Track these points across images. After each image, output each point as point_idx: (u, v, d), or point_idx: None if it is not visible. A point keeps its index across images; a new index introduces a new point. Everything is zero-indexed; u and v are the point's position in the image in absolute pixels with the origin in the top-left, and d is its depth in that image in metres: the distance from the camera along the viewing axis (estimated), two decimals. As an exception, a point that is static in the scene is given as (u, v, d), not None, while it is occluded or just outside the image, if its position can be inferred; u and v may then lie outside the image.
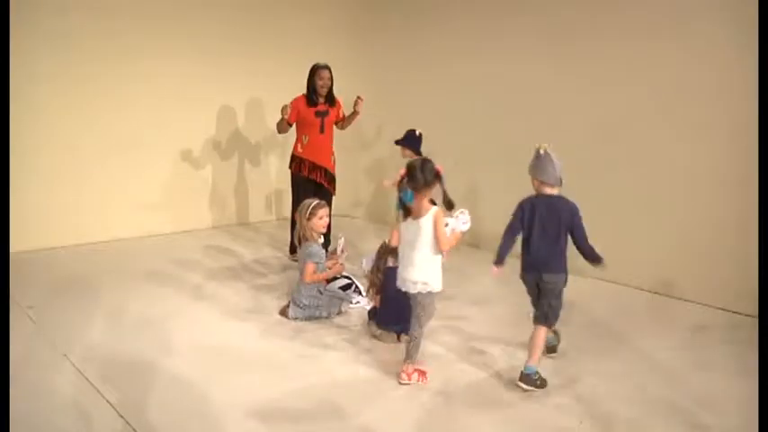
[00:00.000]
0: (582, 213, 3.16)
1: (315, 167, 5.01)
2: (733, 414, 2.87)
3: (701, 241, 4.36)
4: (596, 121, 4.84)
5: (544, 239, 3.08)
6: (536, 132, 4.39)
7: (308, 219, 3.90)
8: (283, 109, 4.84)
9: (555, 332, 3.39)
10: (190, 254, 5.31)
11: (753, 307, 3.99)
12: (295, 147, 5.09)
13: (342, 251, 4.17)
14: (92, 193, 5.53)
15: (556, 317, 3.14)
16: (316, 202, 4.00)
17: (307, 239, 3.91)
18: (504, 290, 4.55)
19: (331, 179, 5.12)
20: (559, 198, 3.12)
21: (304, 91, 4.96)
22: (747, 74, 3.86)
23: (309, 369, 3.26)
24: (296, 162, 5.05)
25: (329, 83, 4.93)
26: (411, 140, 4.64)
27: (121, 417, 2.69)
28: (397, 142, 4.70)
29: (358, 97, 5.06)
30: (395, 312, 3.56)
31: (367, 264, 3.87)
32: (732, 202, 4.17)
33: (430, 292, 3.06)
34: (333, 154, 5.14)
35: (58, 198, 5.37)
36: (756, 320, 3.85)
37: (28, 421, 2.62)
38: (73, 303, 4.05)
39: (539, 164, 3.09)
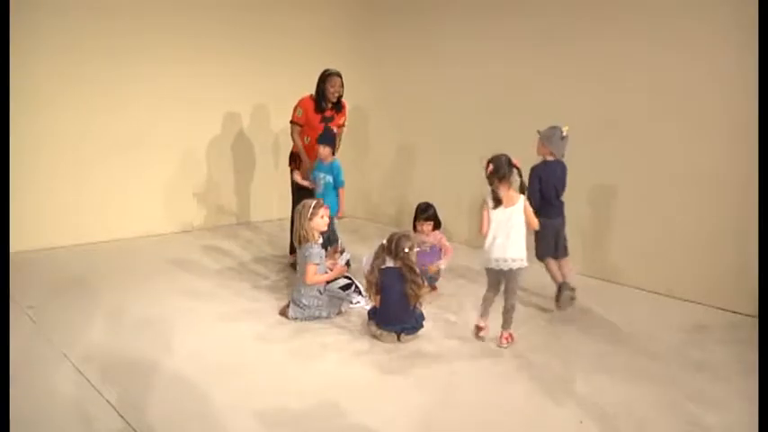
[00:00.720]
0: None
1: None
2: (733, 414, 2.87)
3: (701, 241, 4.37)
4: (596, 121, 4.84)
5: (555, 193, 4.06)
6: (534, 131, 4.38)
7: (310, 219, 3.90)
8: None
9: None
10: (189, 254, 5.31)
11: (753, 307, 4.00)
12: (295, 146, 5.08)
13: (346, 261, 4.26)
14: (92, 193, 5.53)
15: None
16: (316, 201, 4.00)
17: (307, 240, 3.90)
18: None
19: None
20: (558, 162, 4.07)
21: (308, 92, 4.90)
22: (747, 74, 3.86)
23: (309, 369, 3.26)
24: (295, 161, 5.04)
25: (341, 90, 4.85)
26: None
27: (121, 417, 2.69)
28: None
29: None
30: (394, 312, 3.58)
31: (367, 263, 3.88)
32: (732, 201, 4.17)
33: (520, 268, 3.51)
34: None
35: (58, 198, 5.38)
36: (756, 320, 3.86)
37: (28, 421, 2.62)
38: (73, 303, 4.05)
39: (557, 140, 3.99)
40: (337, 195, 4.58)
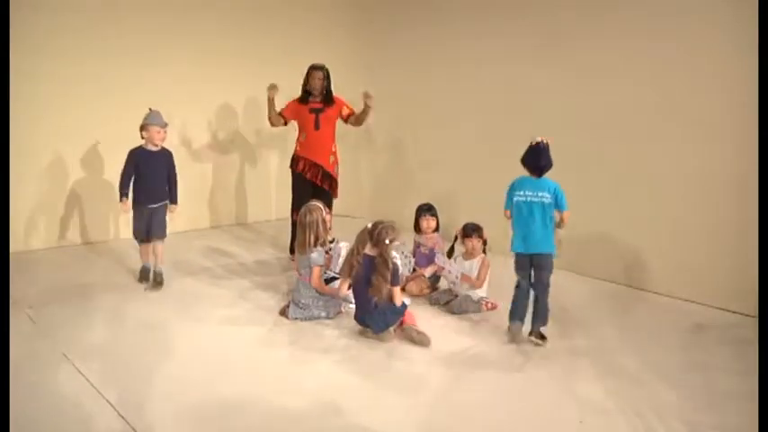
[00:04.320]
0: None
1: (312, 166, 5.00)
2: (733, 414, 2.87)
3: (701, 241, 4.37)
4: (596, 121, 4.84)
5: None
6: (536, 132, 4.38)
7: (323, 223, 3.96)
8: (270, 88, 4.87)
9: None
10: (189, 254, 5.31)
11: (753, 307, 4.00)
12: (295, 147, 5.11)
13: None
14: (92, 192, 5.53)
15: None
16: (322, 205, 4.04)
17: (319, 242, 3.91)
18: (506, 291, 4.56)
19: (330, 180, 5.09)
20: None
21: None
22: (747, 74, 3.86)
23: (309, 369, 3.26)
24: (294, 161, 5.07)
25: (320, 82, 4.93)
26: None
27: (121, 417, 2.69)
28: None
29: (365, 93, 4.97)
30: (363, 300, 3.59)
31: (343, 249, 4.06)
32: (732, 201, 4.17)
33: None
34: (333, 154, 5.11)
35: (57, 198, 5.37)
36: (756, 320, 3.86)
37: (28, 421, 2.62)
38: (73, 303, 4.04)
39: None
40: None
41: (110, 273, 4.74)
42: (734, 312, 4.20)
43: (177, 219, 6.04)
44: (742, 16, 3.92)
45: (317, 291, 3.91)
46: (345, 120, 5.13)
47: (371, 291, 3.56)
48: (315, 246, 3.90)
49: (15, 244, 4.65)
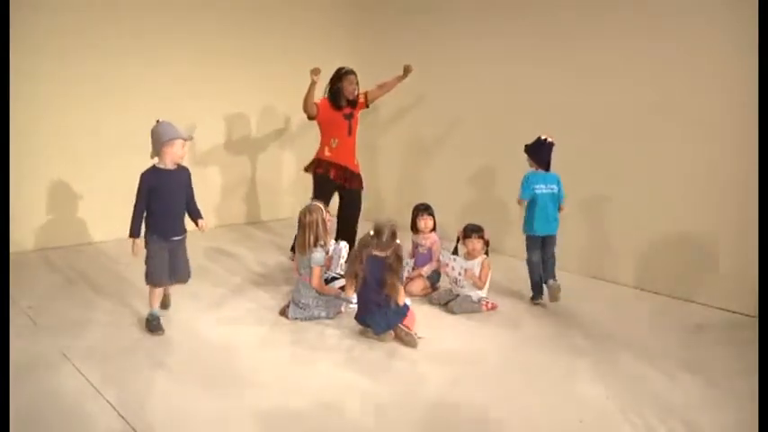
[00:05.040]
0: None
1: (341, 170, 4.96)
2: (733, 414, 2.87)
3: (701, 241, 4.37)
4: (596, 121, 4.84)
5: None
6: (536, 132, 4.38)
7: (324, 222, 3.96)
8: (314, 72, 4.68)
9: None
10: (189, 254, 5.29)
11: (753, 307, 4.00)
12: (321, 150, 4.99)
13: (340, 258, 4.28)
14: (92, 192, 5.53)
15: None
16: (321, 205, 4.04)
17: (319, 242, 3.91)
18: (505, 292, 4.56)
19: (358, 179, 5.09)
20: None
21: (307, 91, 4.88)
22: (747, 74, 3.86)
23: (309, 369, 3.26)
24: (322, 166, 4.95)
25: (356, 87, 4.90)
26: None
27: (121, 417, 2.69)
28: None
29: (408, 66, 5.10)
30: (370, 298, 3.58)
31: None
32: (732, 201, 4.17)
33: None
34: (355, 156, 5.14)
35: (57, 198, 5.37)
36: (756, 320, 3.86)
37: (28, 421, 2.62)
38: (73, 303, 4.04)
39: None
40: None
41: (109, 273, 4.73)
42: (734, 312, 4.21)
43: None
44: (742, 16, 3.92)
45: (317, 291, 3.91)
46: (366, 104, 5.11)
47: (388, 289, 3.55)
48: (315, 246, 3.90)
49: (15, 244, 4.64)
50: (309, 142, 5.27)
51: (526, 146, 4.24)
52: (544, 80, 5.16)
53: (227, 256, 5.28)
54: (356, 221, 5.09)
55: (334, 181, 4.96)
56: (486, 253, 4.22)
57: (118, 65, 5.49)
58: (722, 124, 4.20)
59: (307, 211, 3.98)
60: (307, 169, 5.09)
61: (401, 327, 3.59)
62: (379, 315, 3.56)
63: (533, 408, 2.90)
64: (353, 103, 4.97)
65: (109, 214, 5.64)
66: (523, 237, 4.30)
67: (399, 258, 3.60)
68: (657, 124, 4.53)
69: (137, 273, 4.68)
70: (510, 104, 5.44)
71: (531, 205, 4.18)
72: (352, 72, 4.90)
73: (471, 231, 4.19)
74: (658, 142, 4.52)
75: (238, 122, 6.41)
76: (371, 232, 3.62)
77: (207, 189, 6.25)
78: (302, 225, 3.95)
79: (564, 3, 5.01)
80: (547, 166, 4.20)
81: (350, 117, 4.95)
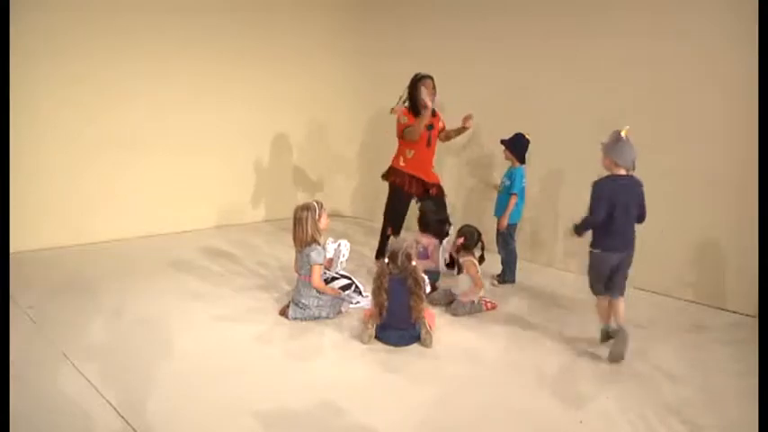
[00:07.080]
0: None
1: (417, 181, 4.81)
2: (732, 414, 2.87)
3: (701, 241, 4.37)
4: (595, 121, 4.83)
5: (628, 218, 3.40)
6: (536, 132, 4.40)
7: (319, 218, 3.93)
8: (395, 112, 4.64)
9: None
10: (189, 254, 5.31)
11: (753, 307, 4.00)
12: (396, 160, 4.87)
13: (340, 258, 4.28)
14: (92, 192, 5.53)
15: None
16: (316, 202, 4.03)
17: (314, 240, 3.91)
18: (509, 297, 4.56)
19: (437, 186, 4.93)
20: (631, 177, 3.41)
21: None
22: (747, 74, 3.86)
23: (309, 369, 3.26)
24: (399, 176, 4.81)
25: (436, 91, 4.72)
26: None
27: (121, 417, 2.69)
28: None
29: (468, 116, 4.86)
30: (396, 319, 3.54)
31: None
32: (732, 201, 4.17)
33: None
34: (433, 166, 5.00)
35: (57, 198, 5.37)
36: (756, 320, 3.86)
37: (28, 421, 2.62)
38: (73, 303, 4.04)
39: (617, 147, 3.40)
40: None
41: (109, 273, 4.73)
42: (734, 312, 4.21)
43: (180, 218, 6.07)
44: (742, 16, 3.92)
45: (317, 291, 3.90)
46: (443, 129, 4.95)
47: (415, 315, 3.52)
48: (310, 244, 3.90)
49: (15, 244, 4.64)
50: (310, 142, 5.27)
51: (509, 141, 4.55)
52: (544, 80, 5.16)
53: (225, 256, 5.28)
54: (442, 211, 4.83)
55: (409, 191, 4.80)
56: (482, 257, 4.26)
57: (119, 64, 5.48)
58: (722, 124, 4.20)
59: (300, 207, 3.99)
60: (384, 177, 4.95)
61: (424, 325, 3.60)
62: (395, 337, 3.54)
63: (533, 408, 2.90)
64: (433, 112, 4.73)
65: (109, 214, 5.65)
66: (517, 234, 4.62)
67: (417, 281, 3.56)
68: (657, 123, 4.52)
69: (137, 273, 4.72)
70: (510, 104, 5.43)
71: (520, 198, 4.60)
72: (428, 77, 4.67)
73: (461, 249, 4.24)
74: (658, 141, 4.51)
75: (238, 122, 6.40)
76: (386, 259, 3.63)
77: (207, 188, 6.28)
78: (295, 219, 3.97)
79: (564, 3, 5.01)
80: (523, 160, 4.57)
81: (431, 128, 4.76)
